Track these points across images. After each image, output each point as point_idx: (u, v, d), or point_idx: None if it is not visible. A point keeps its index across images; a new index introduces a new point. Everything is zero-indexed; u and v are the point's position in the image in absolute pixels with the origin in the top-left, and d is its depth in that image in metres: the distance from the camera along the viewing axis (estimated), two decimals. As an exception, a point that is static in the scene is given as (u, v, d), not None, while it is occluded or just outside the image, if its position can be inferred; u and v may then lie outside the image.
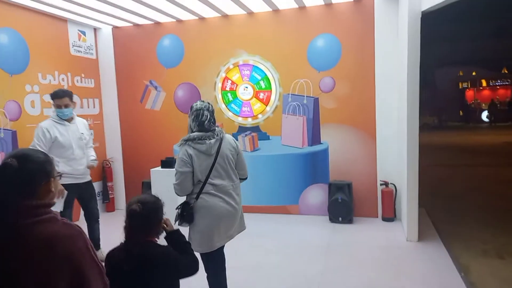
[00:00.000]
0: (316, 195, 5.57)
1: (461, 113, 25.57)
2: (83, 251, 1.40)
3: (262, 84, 5.66)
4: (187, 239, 2.17)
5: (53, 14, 5.28)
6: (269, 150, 5.69)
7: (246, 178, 2.95)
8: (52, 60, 5.32)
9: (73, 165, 3.81)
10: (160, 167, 4.76)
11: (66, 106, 3.80)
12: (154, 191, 4.45)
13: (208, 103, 2.77)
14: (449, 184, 7.69)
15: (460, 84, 27.58)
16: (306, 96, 5.47)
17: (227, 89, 5.80)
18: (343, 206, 5.14)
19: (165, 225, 2.07)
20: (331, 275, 3.68)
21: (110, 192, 6.16)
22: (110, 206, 6.19)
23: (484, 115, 23.92)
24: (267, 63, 5.60)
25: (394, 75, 5.09)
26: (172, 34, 5.91)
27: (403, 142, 4.56)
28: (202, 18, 5.74)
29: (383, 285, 3.48)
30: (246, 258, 4.17)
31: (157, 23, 5.94)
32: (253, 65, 5.66)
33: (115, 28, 6.11)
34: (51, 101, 3.86)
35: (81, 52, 5.85)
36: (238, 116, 5.80)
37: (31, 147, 3.63)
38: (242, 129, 5.80)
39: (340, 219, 5.18)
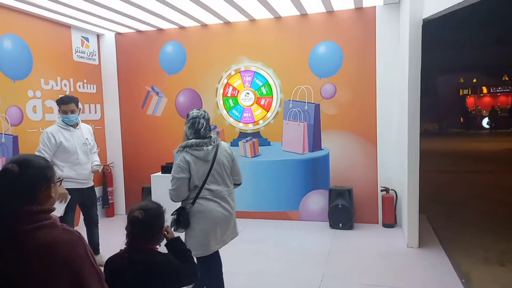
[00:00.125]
0: (317, 201, 5.57)
1: (461, 119, 25.56)
2: (83, 257, 1.40)
3: (264, 90, 5.68)
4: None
5: (56, 21, 5.32)
6: (270, 156, 5.70)
7: (240, 184, 3.01)
8: (55, 66, 5.36)
9: (78, 169, 3.85)
10: (160, 172, 4.77)
11: (72, 112, 3.85)
12: (154, 196, 4.46)
13: (204, 111, 2.85)
14: (449, 191, 7.68)
15: (461, 91, 27.60)
16: (307, 102, 5.49)
17: (229, 95, 5.82)
18: (344, 212, 5.13)
19: (166, 233, 2.07)
20: (332, 282, 3.67)
21: (110, 197, 6.16)
22: (109, 211, 6.19)
23: (485, 122, 23.92)
24: (268, 70, 5.63)
25: (395, 82, 5.12)
26: (174, 40, 5.95)
27: (404, 148, 4.57)
28: (204, 25, 5.79)
29: (383, 292, 3.47)
30: (246, 264, 4.16)
31: (160, 30, 5.98)
32: (254, 72, 5.69)
33: (118, 34, 6.16)
34: (57, 107, 3.90)
35: (84, 58, 5.89)
36: (239, 122, 5.82)
37: (36, 152, 3.67)
38: (243, 135, 5.81)
39: (340, 225, 5.18)
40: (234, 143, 5.83)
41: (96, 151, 4.21)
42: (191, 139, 2.76)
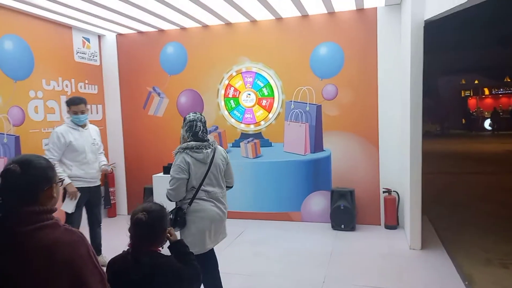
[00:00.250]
0: (319, 202, 5.56)
1: (463, 121, 25.53)
2: (85, 257, 1.40)
3: (265, 91, 5.68)
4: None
5: (58, 21, 5.33)
6: (272, 157, 5.69)
7: (232, 187, 3.16)
8: (56, 67, 5.36)
9: (86, 169, 3.96)
10: (162, 173, 4.77)
11: (82, 112, 3.96)
12: (156, 197, 4.45)
13: (201, 114, 2.95)
14: (452, 192, 7.65)
15: (462, 92, 27.57)
16: (309, 103, 5.48)
17: (230, 96, 5.82)
18: (346, 213, 5.12)
19: (169, 235, 2.06)
20: (334, 283, 3.66)
21: (112, 197, 6.16)
22: (111, 211, 6.19)
23: (487, 123, 23.87)
24: (270, 71, 5.62)
25: (396, 83, 5.11)
26: (175, 41, 5.95)
27: (406, 149, 4.55)
28: (205, 26, 5.79)
29: (385, 293, 3.45)
30: (247, 265, 4.15)
31: (161, 31, 5.98)
32: (256, 73, 5.68)
33: (119, 35, 6.16)
34: (67, 108, 3.99)
35: (85, 58, 5.90)
36: (241, 122, 5.81)
37: (46, 151, 3.82)
38: (244, 136, 5.81)
39: (342, 226, 5.16)
40: (236, 144, 5.82)
41: (103, 151, 4.31)
42: (189, 141, 2.84)
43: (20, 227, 1.37)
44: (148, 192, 5.54)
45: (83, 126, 4.02)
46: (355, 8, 5.20)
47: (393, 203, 5.13)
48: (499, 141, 17.30)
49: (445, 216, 5.81)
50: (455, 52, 20.45)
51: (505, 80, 25.09)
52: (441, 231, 5.03)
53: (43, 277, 1.34)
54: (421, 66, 4.20)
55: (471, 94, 27.57)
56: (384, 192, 5.20)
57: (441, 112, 23.42)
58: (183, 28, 5.89)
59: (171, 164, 2.91)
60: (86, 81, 5.89)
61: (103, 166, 4.13)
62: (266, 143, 5.72)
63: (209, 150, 2.85)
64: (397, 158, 5.15)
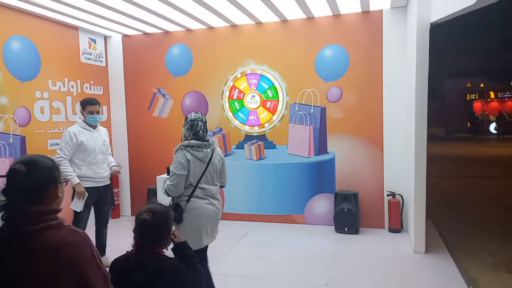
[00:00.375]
0: (322, 204, 5.54)
1: (468, 124, 25.40)
2: (89, 258, 1.40)
3: (269, 93, 5.68)
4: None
5: (64, 22, 5.36)
6: (275, 159, 5.69)
7: (224, 186, 3.26)
8: (63, 67, 5.39)
9: (95, 169, 4.03)
10: (166, 174, 4.78)
11: (98, 112, 4.08)
12: (160, 198, 4.46)
13: (202, 114, 3.05)
14: (456, 196, 7.61)
15: (468, 96, 27.45)
16: (313, 106, 5.48)
17: (234, 97, 5.82)
18: (349, 216, 5.10)
19: (173, 236, 2.06)
20: (337, 286, 3.64)
21: (115, 198, 6.18)
22: (115, 212, 6.20)
23: (492, 127, 23.74)
24: (274, 73, 5.62)
25: (402, 86, 5.09)
26: (181, 43, 5.97)
27: (411, 152, 4.53)
28: (211, 28, 5.80)
29: (389, 297, 3.43)
30: (251, 267, 4.14)
31: (167, 32, 6.00)
32: (260, 74, 5.69)
33: (125, 36, 6.19)
34: (81, 108, 4.07)
35: (91, 59, 5.93)
36: (245, 124, 5.82)
37: (58, 150, 3.88)
38: (248, 138, 5.81)
39: (346, 229, 5.14)
40: (240, 146, 5.83)
41: (111, 152, 4.39)
42: (190, 140, 2.95)
43: (25, 227, 1.37)
44: (152, 193, 5.55)
45: (94, 127, 4.09)
46: (360, 11, 5.19)
47: (397, 206, 5.10)
48: (505, 145, 17.19)
49: (449, 220, 5.78)
50: (460, 55, 20.37)
51: (511, 83, 24.94)
52: (445, 234, 5.00)
53: (47, 277, 1.34)
54: (426, 69, 4.18)
55: (477, 98, 27.46)
56: (388, 195, 5.18)
57: (446, 115, 23.32)
58: (188, 30, 5.91)
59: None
60: (92, 82, 5.92)
61: (114, 167, 4.21)
62: (270, 145, 5.72)
63: (208, 150, 2.96)
64: (402, 161, 5.13)
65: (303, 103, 5.53)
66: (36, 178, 1.42)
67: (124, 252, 1.96)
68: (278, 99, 5.64)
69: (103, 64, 6.20)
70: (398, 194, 5.14)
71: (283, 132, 5.65)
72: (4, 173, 1.46)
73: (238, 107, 5.83)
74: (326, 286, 3.65)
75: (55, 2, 4.46)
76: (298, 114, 5.56)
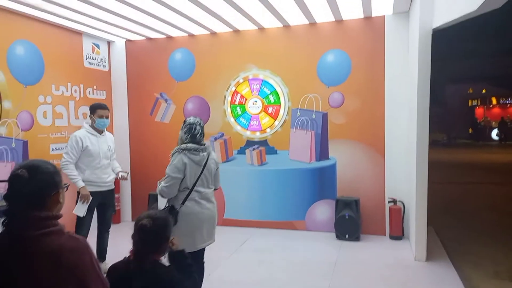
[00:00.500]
0: (323, 211, 5.52)
1: (470, 130, 25.34)
2: (88, 265, 1.40)
3: (271, 98, 5.69)
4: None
5: (68, 27, 5.40)
6: (277, 165, 5.68)
7: (217, 189, 3.33)
8: (66, 72, 5.42)
9: (98, 173, 4.06)
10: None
11: (107, 117, 4.14)
12: (161, 203, 4.45)
13: (200, 119, 3.16)
14: (458, 202, 7.58)
15: (470, 102, 27.42)
16: (315, 111, 5.48)
17: (236, 103, 5.83)
18: (350, 223, 5.08)
19: (171, 244, 2.05)
20: (338, 293, 3.63)
21: (116, 203, 6.16)
22: (116, 217, 6.18)
23: (494, 133, 23.68)
24: (276, 78, 5.64)
25: (404, 92, 5.09)
26: (184, 48, 6.00)
27: (412, 159, 4.52)
28: (213, 33, 5.83)
29: (391, 305, 3.41)
30: (252, 273, 4.13)
31: (170, 37, 6.03)
32: (262, 80, 5.70)
33: (128, 41, 6.22)
34: (90, 112, 4.11)
35: (94, 64, 5.96)
36: (247, 130, 5.82)
37: (64, 154, 3.94)
38: (250, 143, 5.81)
39: (347, 236, 5.12)
40: (241, 151, 5.83)
41: (115, 158, 4.41)
42: (187, 143, 3.02)
43: (26, 232, 1.37)
44: (153, 198, 5.55)
45: (101, 132, 4.13)
46: (363, 16, 5.21)
47: (398, 213, 5.08)
48: (507, 151, 17.13)
49: (451, 227, 5.75)
50: (463, 61, 20.37)
51: (514, 89, 24.92)
52: (447, 242, 4.97)
53: (48, 282, 1.34)
54: (428, 74, 4.18)
55: (479, 104, 27.42)
56: (389, 202, 5.16)
57: (448, 121, 23.28)
58: (191, 35, 5.94)
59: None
60: (95, 87, 5.94)
61: (120, 174, 4.24)
62: (272, 151, 5.72)
63: (204, 154, 3.06)
64: (403, 168, 5.11)
65: (305, 108, 5.53)
66: (38, 183, 1.43)
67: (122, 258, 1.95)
68: (280, 105, 5.65)
69: (106, 69, 6.23)
70: (399, 201, 5.12)
71: (285, 137, 5.65)
72: (6, 178, 1.47)
73: (240, 112, 5.84)
74: (327, 293, 3.63)
75: (59, 7, 4.50)
76: (299, 119, 5.56)
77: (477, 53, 19.43)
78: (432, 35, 4.15)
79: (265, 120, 5.74)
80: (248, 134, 5.82)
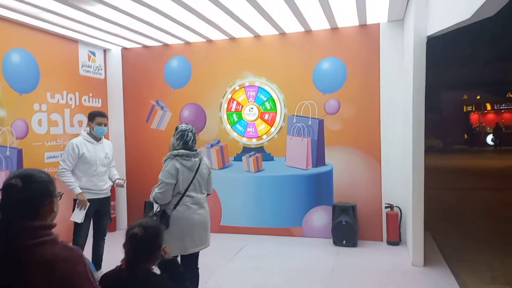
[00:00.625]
0: (320, 217, 5.52)
1: (466, 136, 25.50)
2: (82, 274, 1.39)
3: (267, 105, 5.70)
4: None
5: (64, 35, 5.40)
6: (273, 171, 5.68)
7: (209, 194, 3.36)
8: (62, 80, 5.41)
9: (95, 181, 4.05)
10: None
11: (105, 125, 4.15)
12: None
13: (192, 126, 3.22)
14: (454, 208, 7.59)
15: (464, 108, 27.62)
16: (311, 118, 5.50)
17: (233, 109, 5.84)
18: (348, 228, 5.07)
19: (163, 252, 2.03)
20: (336, 300, 3.61)
21: (112, 211, 6.12)
22: (112, 225, 6.12)
23: (489, 139, 23.84)
24: (272, 85, 5.66)
25: (399, 98, 5.12)
26: (180, 55, 6.01)
27: (408, 164, 4.54)
28: (209, 40, 5.85)
29: (388, 311, 3.39)
30: (249, 280, 4.10)
31: (166, 45, 6.05)
32: (258, 87, 5.72)
33: (124, 49, 6.23)
34: (88, 120, 4.12)
35: (90, 72, 5.95)
36: (243, 136, 5.82)
37: (60, 161, 3.94)
38: (246, 150, 5.81)
39: (344, 242, 5.11)
40: (238, 158, 5.82)
41: (114, 165, 4.41)
42: (178, 149, 3.08)
43: (20, 241, 1.36)
44: (149, 206, 5.51)
45: (99, 139, 4.13)
46: (358, 24, 5.26)
47: (395, 219, 5.09)
48: (502, 157, 17.23)
49: (448, 232, 5.75)
50: (457, 67, 20.56)
51: (507, 95, 25.14)
52: (444, 247, 4.97)
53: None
54: (423, 81, 4.21)
55: (473, 109, 27.62)
56: (386, 207, 5.16)
57: (443, 127, 23.42)
58: (187, 43, 5.96)
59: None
60: (91, 94, 5.93)
61: (117, 181, 4.24)
62: (268, 157, 5.72)
63: (196, 159, 3.11)
64: (400, 173, 5.13)
65: (301, 115, 5.55)
66: (32, 192, 1.42)
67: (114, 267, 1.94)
68: (276, 111, 5.66)
69: (102, 77, 6.22)
70: (396, 207, 5.13)
71: (281, 144, 5.65)
72: (0, 187, 1.46)
73: (236, 119, 5.84)
74: (325, 300, 3.61)
75: (55, 15, 4.50)
76: (296, 126, 5.57)
77: (472, 60, 19.62)
78: (426, 42, 4.19)
79: (262, 126, 5.74)
80: (244, 140, 5.82)
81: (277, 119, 5.66)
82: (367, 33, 5.26)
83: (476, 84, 23.85)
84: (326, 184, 5.49)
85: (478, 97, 26.45)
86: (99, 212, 4.15)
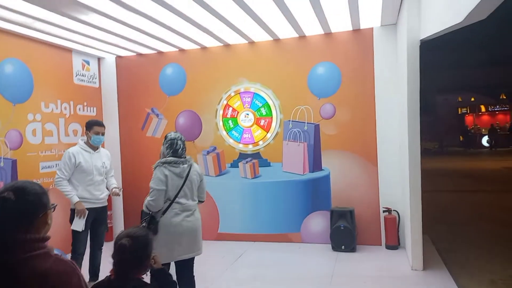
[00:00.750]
0: (318, 222, 5.49)
1: (461, 138, 25.60)
2: (76, 287, 1.37)
3: (263, 111, 5.70)
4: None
5: (58, 45, 5.37)
6: (270, 177, 5.66)
7: (203, 201, 3.38)
8: (56, 89, 5.38)
9: (91, 190, 4.04)
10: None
11: (103, 134, 4.14)
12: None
13: (180, 134, 3.25)
14: (452, 211, 7.59)
15: (459, 110, 27.77)
16: (307, 123, 5.49)
17: (228, 116, 5.83)
18: (346, 233, 5.05)
19: (153, 261, 2.00)
20: (335, 307, 3.57)
21: (108, 220, 6.06)
22: (108, 235, 6.04)
23: (485, 140, 23.94)
24: (268, 90, 5.65)
25: (394, 102, 5.13)
26: (174, 63, 6.01)
27: (405, 168, 4.53)
28: (204, 48, 5.85)
29: (389, 317, 3.37)
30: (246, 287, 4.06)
31: (160, 52, 6.04)
32: (254, 93, 5.72)
33: (118, 57, 6.21)
34: (86, 129, 4.09)
35: (84, 81, 5.93)
36: (239, 143, 5.81)
37: (57, 170, 3.94)
38: (243, 156, 5.79)
39: (343, 247, 5.08)
40: (234, 164, 5.80)
41: (113, 174, 4.40)
42: (167, 157, 3.12)
43: (13, 255, 1.34)
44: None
45: (96, 148, 4.12)
46: (351, 29, 5.28)
47: (393, 223, 5.07)
48: (497, 159, 17.30)
49: (446, 236, 5.74)
50: (451, 70, 20.71)
51: (501, 97, 25.33)
52: (443, 251, 4.96)
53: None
54: (417, 84, 4.22)
55: (468, 111, 27.77)
56: (384, 211, 5.15)
57: (439, 129, 23.51)
58: (182, 50, 5.95)
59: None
60: (85, 103, 5.90)
61: (114, 189, 4.22)
62: (265, 163, 5.70)
63: (185, 166, 3.13)
64: (397, 177, 5.12)
65: (296, 120, 5.54)
66: (26, 205, 1.40)
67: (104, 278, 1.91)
68: (272, 117, 5.66)
69: (97, 85, 6.20)
70: (394, 210, 5.11)
71: (278, 149, 5.64)
72: None
73: (232, 126, 5.83)
74: (325, 306, 3.58)
75: (49, 24, 4.49)
76: (292, 131, 5.57)
77: (465, 63, 19.76)
78: (420, 46, 4.21)
79: (258, 132, 5.73)
80: (240, 147, 5.81)
81: (273, 124, 5.65)
82: (361, 37, 5.28)
83: (471, 87, 24.01)
84: (323, 189, 5.48)
85: (472, 99, 26.61)
86: (95, 221, 4.12)
